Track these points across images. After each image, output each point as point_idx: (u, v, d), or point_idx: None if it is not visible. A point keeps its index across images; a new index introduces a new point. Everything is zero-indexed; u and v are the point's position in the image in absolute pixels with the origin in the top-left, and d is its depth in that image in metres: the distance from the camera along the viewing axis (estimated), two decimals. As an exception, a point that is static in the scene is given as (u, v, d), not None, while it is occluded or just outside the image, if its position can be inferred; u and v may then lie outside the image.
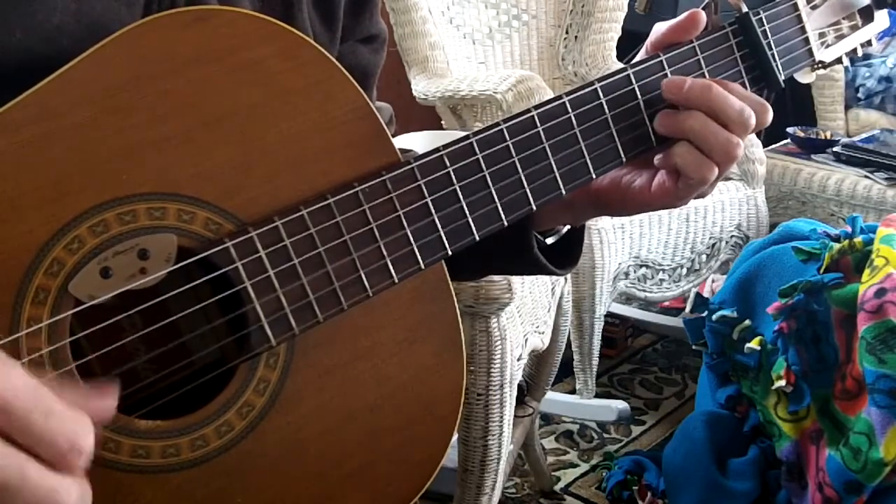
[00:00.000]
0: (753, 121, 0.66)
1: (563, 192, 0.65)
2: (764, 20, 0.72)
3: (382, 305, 0.59)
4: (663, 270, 2.21)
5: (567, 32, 2.51)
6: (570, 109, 0.65)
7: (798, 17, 0.74)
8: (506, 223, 0.62)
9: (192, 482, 0.54)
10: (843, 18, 0.76)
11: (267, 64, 0.55)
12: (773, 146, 2.59)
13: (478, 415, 1.43)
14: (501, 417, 1.44)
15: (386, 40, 0.79)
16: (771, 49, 0.72)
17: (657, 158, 0.68)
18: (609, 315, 2.27)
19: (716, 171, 0.65)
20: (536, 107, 0.63)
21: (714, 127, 0.65)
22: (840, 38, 0.76)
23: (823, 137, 2.60)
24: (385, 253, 0.58)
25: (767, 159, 2.35)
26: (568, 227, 0.76)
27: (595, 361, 2.19)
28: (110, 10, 0.55)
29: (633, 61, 0.68)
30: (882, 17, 0.78)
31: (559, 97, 0.64)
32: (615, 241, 2.04)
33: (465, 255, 0.62)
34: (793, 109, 2.78)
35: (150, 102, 0.52)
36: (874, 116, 2.68)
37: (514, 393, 1.48)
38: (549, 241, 0.76)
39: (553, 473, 2.06)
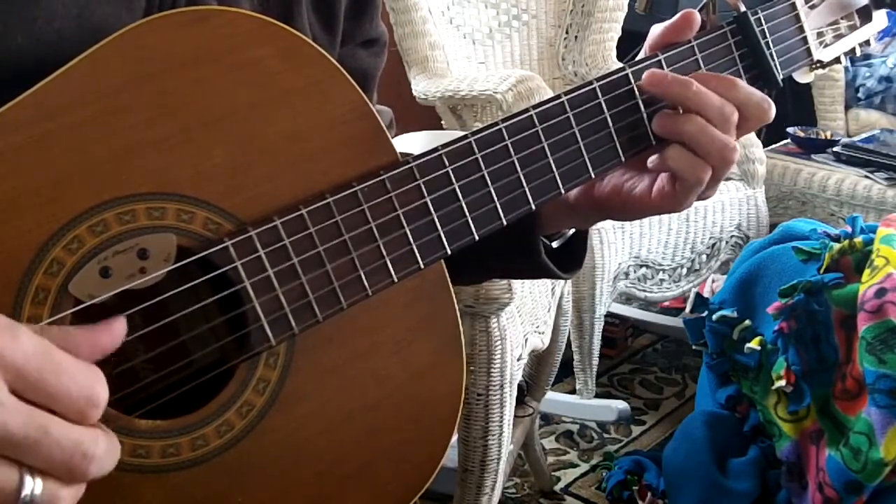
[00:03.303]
0: (735, 116, 0.66)
1: (562, 191, 0.65)
2: (762, 20, 0.72)
3: (382, 305, 0.59)
4: (663, 270, 2.21)
5: (567, 32, 2.51)
6: (568, 109, 0.65)
7: (796, 16, 0.74)
8: (504, 222, 0.62)
9: (191, 481, 0.54)
10: (842, 18, 0.76)
11: (266, 64, 0.55)
12: (773, 146, 2.59)
13: (478, 415, 1.43)
14: (501, 417, 1.44)
15: (386, 44, 0.79)
16: (769, 48, 0.72)
17: (651, 160, 0.68)
18: (609, 315, 2.27)
19: (710, 172, 0.65)
20: (535, 106, 0.64)
21: (710, 130, 0.65)
22: (838, 37, 0.76)
23: (823, 137, 2.60)
24: (384, 252, 0.58)
25: (767, 159, 2.35)
26: (573, 230, 0.76)
27: (595, 361, 2.19)
28: (111, 13, 0.55)
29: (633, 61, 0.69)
30: (880, 17, 0.78)
31: (558, 96, 0.65)
32: (615, 241, 2.04)
33: (469, 258, 0.62)
34: (793, 109, 2.78)
35: (148, 102, 0.52)
36: (874, 116, 2.68)
37: (514, 393, 1.48)
38: (555, 244, 0.76)
39: (553, 473, 2.06)
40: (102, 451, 0.44)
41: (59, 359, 0.43)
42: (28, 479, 0.42)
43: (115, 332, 0.46)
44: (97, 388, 0.44)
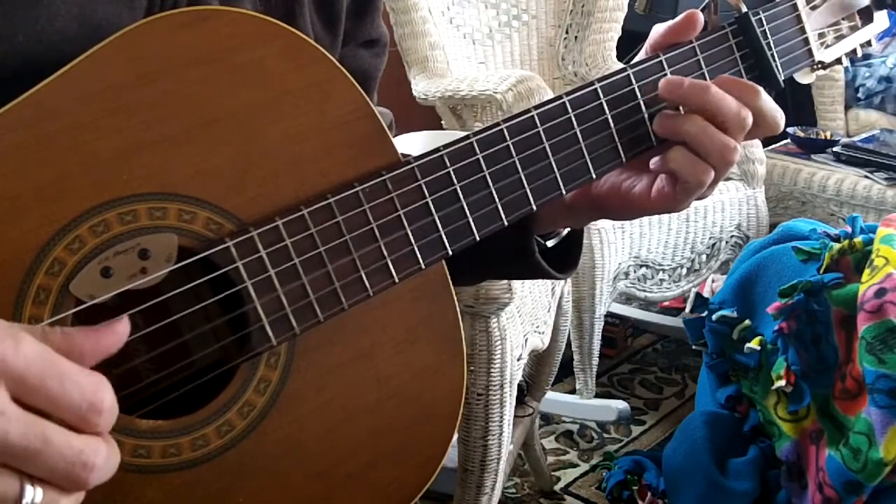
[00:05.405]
0: (750, 121, 0.66)
1: (564, 192, 0.65)
2: (763, 20, 0.72)
3: (383, 305, 0.59)
4: (663, 270, 2.21)
5: (567, 32, 2.51)
6: (570, 109, 0.65)
7: (797, 17, 0.74)
8: (506, 223, 0.62)
9: (192, 482, 0.54)
10: (843, 19, 0.76)
11: (267, 64, 0.55)
12: (773, 146, 2.59)
13: (478, 415, 1.43)
14: (501, 417, 1.44)
15: (387, 44, 0.79)
16: (770, 49, 0.72)
17: (654, 162, 0.68)
18: (609, 315, 2.27)
19: (712, 174, 0.65)
20: (536, 107, 0.64)
21: (711, 131, 0.65)
22: (840, 38, 0.76)
23: (823, 137, 2.60)
24: (385, 253, 0.58)
25: (767, 159, 2.35)
26: (568, 229, 0.76)
27: (595, 361, 2.19)
28: (113, 13, 0.55)
29: (633, 62, 0.68)
30: (881, 18, 0.78)
31: (559, 97, 0.65)
32: (615, 241, 2.04)
33: (464, 259, 0.62)
34: (793, 109, 2.78)
35: (150, 102, 0.52)
36: (874, 116, 2.68)
37: (514, 393, 1.48)
38: (550, 243, 0.76)
39: (553, 473, 2.06)
40: (103, 459, 0.43)
41: (61, 365, 0.42)
42: (28, 488, 0.42)
43: (119, 332, 0.45)
44: (101, 394, 0.43)
